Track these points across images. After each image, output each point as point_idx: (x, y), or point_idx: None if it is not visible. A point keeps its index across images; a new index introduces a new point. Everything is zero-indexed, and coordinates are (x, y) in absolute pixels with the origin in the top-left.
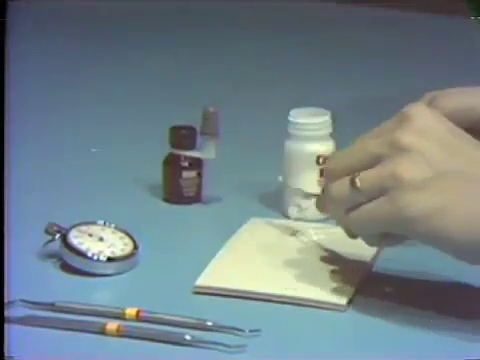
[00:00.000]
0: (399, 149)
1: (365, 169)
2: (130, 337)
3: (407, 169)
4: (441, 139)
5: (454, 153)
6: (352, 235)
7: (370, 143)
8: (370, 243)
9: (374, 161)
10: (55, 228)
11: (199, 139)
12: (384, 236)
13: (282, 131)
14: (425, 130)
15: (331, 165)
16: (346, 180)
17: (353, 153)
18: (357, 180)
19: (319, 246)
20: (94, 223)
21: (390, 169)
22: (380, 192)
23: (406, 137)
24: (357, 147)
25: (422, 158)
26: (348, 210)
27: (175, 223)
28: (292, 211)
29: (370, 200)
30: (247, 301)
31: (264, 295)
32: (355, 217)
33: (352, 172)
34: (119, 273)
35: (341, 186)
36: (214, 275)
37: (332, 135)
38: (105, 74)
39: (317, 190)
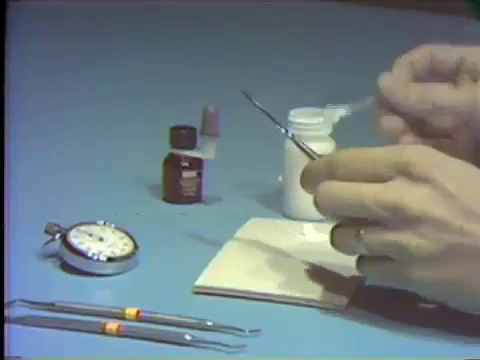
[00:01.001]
0: (403, 219)
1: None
2: (130, 337)
3: (416, 244)
4: (445, 201)
5: (466, 221)
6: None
7: (369, 197)
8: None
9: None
10: (55, 228)
11: (199, 139)
12: None
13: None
14: (429, 196)
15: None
16: (351, 232)
17: (351, 205)
18: (362, 237)
19: (319, 246)
20: (94, 223)
21: (399, 243)
22: (386, 255)
23: (410, 205)
24: (353, 198)
25: (431, 230)
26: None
27: (175, 223)
28: (292, 211)
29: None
30: (247, 301)
31: (264, 295)
32: (366, 269)
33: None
34: (119, 273)
35: (345, 235)
36: (214, 275)
37: (332, 135)
38: (105, 74)
39: None
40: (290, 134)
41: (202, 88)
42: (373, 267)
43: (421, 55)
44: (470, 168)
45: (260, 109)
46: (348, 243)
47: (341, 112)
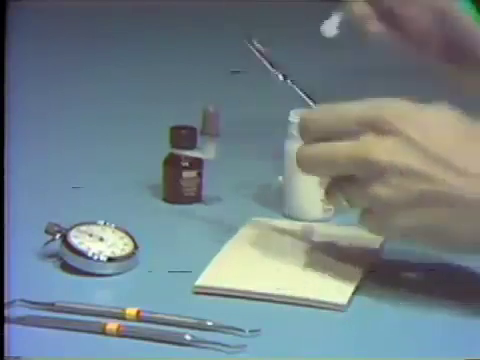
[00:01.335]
0: (373, 171)
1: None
2: (130, 337)
3: (386, 194)
4: (411, 156)
5: (432, 170)
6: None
7: (341, 153)
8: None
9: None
10: (55, 228)
11: (199, 139)
12: None
13: (282, 131)
14: (397, 149)
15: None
16: (335, 188)
17: (325, 162)
18: (343, 193)
19: (319, 246)
20: (94, 223)
21: (371, 195)
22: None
23: (378, 158)
24: (327, 155)
25: (399, 181)
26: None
27: (175, 223)
28: (292, 211)
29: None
30: (247, 301)
31: (264, 295)
32: (362, 222)
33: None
34: (119, 273)
35: (332, 193)
36: (214, 275)
37: None
38: (105, 74)
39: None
40: (288, 80)
41: (202, 88)
42: (366, 220)
43: None
44: (438, 116)
45: (259, 53)
46: (336, 200)
47: (335, 20)
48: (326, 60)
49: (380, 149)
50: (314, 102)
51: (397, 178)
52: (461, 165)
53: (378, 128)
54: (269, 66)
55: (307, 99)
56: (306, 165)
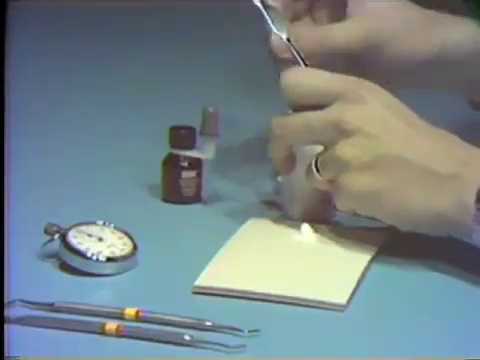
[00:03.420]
0: (341, 133)
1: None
2: (129, 337)
3: (349, 154)
4: (381, 122)
5: (394, 136)
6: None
7: (315, 119)
8: None
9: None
10: (54, 228)
11: (199, 139)
12: None
13: None
14: (367, 113)
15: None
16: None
17: (301, 128)
18: (313, 168)
19: (318, 246)
20: (93, 223)
21: (335, 155)
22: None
23: (348, 121)
24: (302, 122)
25: (363, 142)
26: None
27: (175, 223)
28: (291, 211)
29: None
30: (247, 301)
31: (264, 295)
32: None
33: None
34: (118, 273)
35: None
36: (214, 275)
37: None
38: (105, 74)
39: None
40: (284, 37)
41: (202, 88)
42: (333, 187)
43: None
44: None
45: (263, 8)
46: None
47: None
48: None
49: (350, 114)
50: (306, 65)
51: (362, 140)
52: (420, 133)
53: (350, 98)
54: (271, 23)
55: (301, 62)
56: (280, 132)
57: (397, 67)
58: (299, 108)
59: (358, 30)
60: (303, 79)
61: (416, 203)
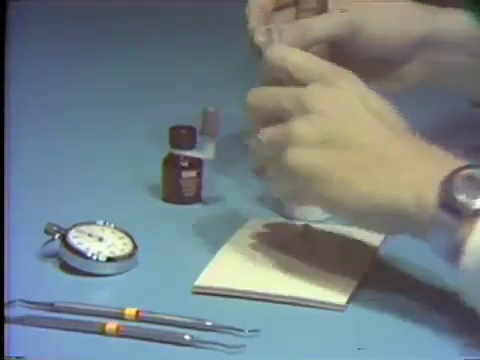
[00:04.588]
0: (302, 109)
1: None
2: (130, 337)
3: (302, 129)
4: (347, 107)
5: (356, 122)
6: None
7: (285, 92)
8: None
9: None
10: (55, 228)
11: (199, 139)
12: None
13: None
14: (335, 97)
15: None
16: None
17: (271, 99)
18: (260, 136)
19: (319, 246)
20: (94, 223)
21: (288, 129)
22: (278, 149)
23: (313, 100)
24: (274, 93)
25: (321, 121)
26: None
27: (175, 223)
28: (291, 211)
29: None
30: (247, 301)
31: (264, 295)
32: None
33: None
34: (119, 273)
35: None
36: (214, 275)
37: None
38: (105, 74)
39: None
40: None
41: (202, 88)
42: (273, 167)
43: None
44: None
45: None
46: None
47: None
48: None
49: (318, 93)
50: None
51: (320, 119)
52: (387, 126)
53: (324, 81)
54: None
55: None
56: (254, 102)
57: (380, 53)
58: (274, 82)
59: (337, 19)
60: (288, 55)
61: (367, 190)
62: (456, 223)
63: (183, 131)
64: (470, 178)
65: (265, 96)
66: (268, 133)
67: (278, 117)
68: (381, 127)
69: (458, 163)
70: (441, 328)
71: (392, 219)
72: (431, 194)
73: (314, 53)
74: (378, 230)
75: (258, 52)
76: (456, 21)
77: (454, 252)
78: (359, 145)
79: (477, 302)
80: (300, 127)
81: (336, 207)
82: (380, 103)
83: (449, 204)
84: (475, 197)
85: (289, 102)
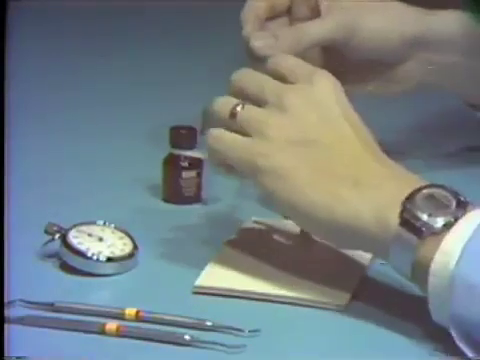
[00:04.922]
0: (281, 107)
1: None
2: (130, 337)
3: (277, 123)
4: (327, 114)
5: (329, 129)
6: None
7: (268, 86)
8: (214, 165)
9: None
10: (55, 228)
11: (199, 139)
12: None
13: None
14: (315, 98)
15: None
16: (230, 103)
17: (253, 84)
18: (238, 110)
19: (318, 246)
20: (94, 223)
21: (266, 117)
22: (249, 132)
23: (294, 99)
24: (258, 80)
25: (296, 123)
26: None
27: (175, 223)
28: None
29: (238, 132)
30: (247, 301)
31: (264, 295)
32: (216, 136)
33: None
34: (119, 273)
35: (225, 105)
36: (214, 275)
37: None
38: (105, 74)
39: None
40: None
41: (202, 88)
42: (229, 135)
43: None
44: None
45: None
46: (225, 112)
47: None
48: None
49: (295, 91)
50: None
51: (293, 119)
52: (355, 133)
53: (309, 80)
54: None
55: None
56: (238, 78)
57: (376, 55)
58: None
59: (332, 23)
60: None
61: (327, 202)
62: (418, 242)
63: (183, 131)
64: (430, 197)
65: (251, 79)
66: (246, 113)
67: (255, 101)
68: (354, 140)
69: (420, 182)
70: (441, 328)
71: (352, 236)
72: (393, 213)
73: (309, 57)
74: (337, 244)
75: (254, 57)
76: (450, 21)
77: (418, 272)
78: (328, 154)
79: (442, 319)
80: (275, 120)
81: (290, 210)
82: (356, 116)
83: (411, 223)
84: (436, 216)
85: (271, 95)
